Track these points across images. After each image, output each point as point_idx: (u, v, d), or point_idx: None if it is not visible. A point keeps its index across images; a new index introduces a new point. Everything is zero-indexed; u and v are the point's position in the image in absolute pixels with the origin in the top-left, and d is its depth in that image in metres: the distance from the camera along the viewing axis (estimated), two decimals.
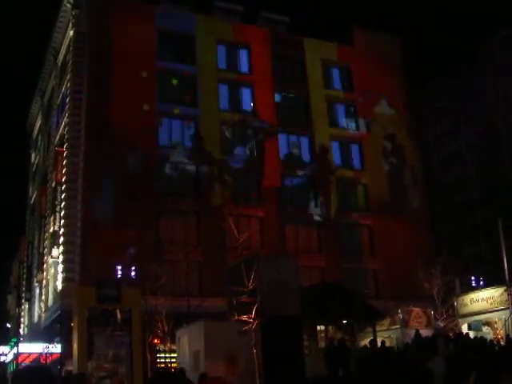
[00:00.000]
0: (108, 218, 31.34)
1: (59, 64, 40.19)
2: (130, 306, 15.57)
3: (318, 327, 24.35)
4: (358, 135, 40.25)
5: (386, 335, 25.79)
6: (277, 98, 38.72)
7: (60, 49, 39.65)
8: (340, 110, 40.81)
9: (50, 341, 31.56)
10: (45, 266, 37.66)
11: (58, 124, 38.09)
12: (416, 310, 26.55)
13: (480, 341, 19.66)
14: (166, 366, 24.51)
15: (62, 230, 32.43)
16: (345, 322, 24.73)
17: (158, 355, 26.33)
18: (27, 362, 33.81)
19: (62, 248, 31.87)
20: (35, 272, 41.31)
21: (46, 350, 31.25)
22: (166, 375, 17.94)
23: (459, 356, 15.13)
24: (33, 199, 47.35)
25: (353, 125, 40.64)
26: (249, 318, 15.11)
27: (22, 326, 45.73)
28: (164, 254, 29.51)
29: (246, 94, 38.00)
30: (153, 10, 36.91)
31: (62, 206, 33.35)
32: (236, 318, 15.36)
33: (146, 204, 31.95)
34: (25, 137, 53.91)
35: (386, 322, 26.18)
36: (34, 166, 49.04)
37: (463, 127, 46.79)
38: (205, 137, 35.76)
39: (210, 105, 36.37)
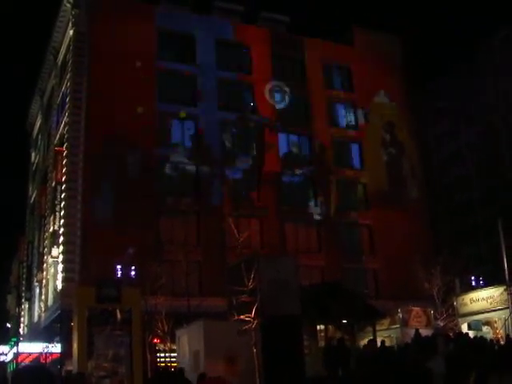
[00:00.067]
0: (108, 218, 31.35)
1: (59, 63, 40.19)
2: (130, 305, 15.57)
3: (318, 327, 24.35)
4: (358, 134, 40.27)
5: (385, 335, 25.81)
6: (277, 97, 38.73)
7: (60, 48, 39.65)
8: (340, 109, 40.84)
9: (50, 340, 31.56)
10: (45, 265, 37.66)
11: (58, 123, 38.09)
12: (416, 309, 26.56)
13: (480, 340, 19.66)
14: (166, 365, 24.51)
15: (61, 229, 32.43)
16: (345, 321, 24.74)
17: (157, 355, 26.33)
18: (27, 361, 33.82)
19: (61, 248, 31.87)
20: (35, 272, 41.31)
21: (45, 350, 31.24)
22: (166, 375, 17.95)
23: (459, 356, 15.13)
24: (33, 199, 47.35)
25: (352, 122, 40.66)
26: (249, 317, 15.11)
27: (21, 325, 45.73)
28: (164, 253, 29.53)
29: (245, 93, 37.99)
30: (153, 10, 36.92)
31: (61, 205, 33.34)
32: (236, 317, 15.37)
33: (146, 204, 31.95)
34: (25, 136, 53.93)
35: (386, 321, 26.19)
36: (34, 165, 49.03)
37: (463, 127, 46.78)
38: (205, 137, 35.77)
39: (209, 105, 36.38)
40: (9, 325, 58.05)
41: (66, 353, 25.89)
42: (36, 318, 39.83)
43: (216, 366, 15.09)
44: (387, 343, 23.26)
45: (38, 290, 40.36)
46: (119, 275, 27.14)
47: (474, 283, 32.38)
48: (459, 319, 27.37)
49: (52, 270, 35.53)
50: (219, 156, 35.55)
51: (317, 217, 37.15)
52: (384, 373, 14.94)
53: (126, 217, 31.21)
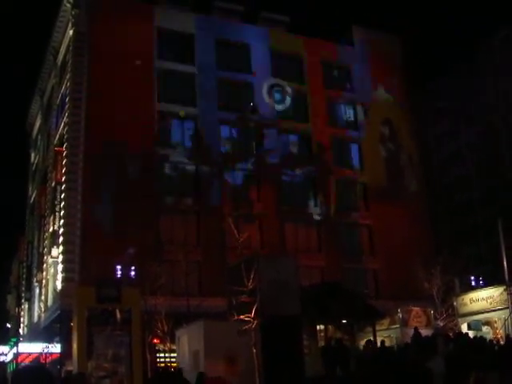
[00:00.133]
0: (108, 218, 31.35)
1: (59, 64, 40.19)
2: (130, 305, 15.57)
3: (318, 327, 24.35)
4: (357, 134, 40.30)
5: (385, 335, 25.81)
6: (276, 97, 38.74)
7: (60, 48, 39.65)
8: (339, 109, 40.86)
9: (50, 341, 31.55)
10: (44, 265, 37.65)
11: (58, 124, 38.08)
12: (416, 309, 26.57)
13: (480, 340, 19.66)
14: (166, 365, 24.52)
15: (61, 229, 32.42)
16: (344, 321, 24.74)
17: (157, 355, 26.33)
18: (27, 361, 33.81)
19: (61, 248, 31.86)
20: (35, 272, 41.29)
21: (45, 350, 31.23)
22: (165, 375, 17.95)
23: (459, 356, 15.13)
24: (32, 199, 47.34)
25: (352, 122, 40.69)
26: (248, 317, 15.10)
27: (21, 325, 45.72)
28: (164, 253, 29.51)
29: (245, 93, 38.00)
30: (152, 10, 36.93)
31: (61, 205, 33.34)
32: (236, 317, 15.36)
33: (146, 204, 31.95)
34: (24, 136, 53.92)
35: (386, 321, 26.20)
36: (34, 165, 49.03)
37: (463, 127, 46.77)
38: (204, 136, 35.78)
39: (209, 105, 36.39)
40: (9, 325, 58.04)
41: (66, 353, 25.88)
42: (36, 318, 39.83)
43: (216, 366, 15.10)
44: (387, 343, 23.27)
45: (37, 290, 40.35)
46: (119, 275, 27.13)
47: (473, 283, 32.37)
48: (459, 319, 27.37)
49: (52, 270, 35.53)
50: (219, 156, 35.55)
51: (317, 217, 37.16)
52: (384, 373, 14.94)
53: (125, 217, 31.21)
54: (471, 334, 24.60)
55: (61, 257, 31.73)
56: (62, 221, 32.65)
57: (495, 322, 26.79)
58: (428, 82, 50.05)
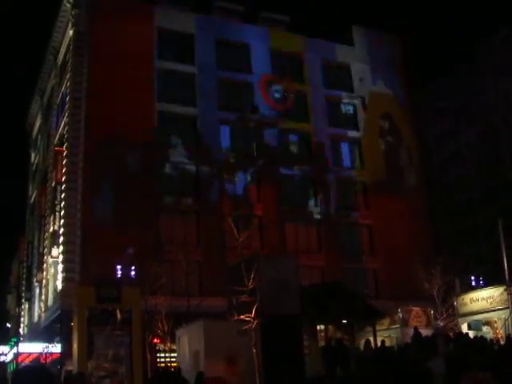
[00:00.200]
0: (108, 218, 31.34)
1: (59, 63, 40.19)
2: (130, 305, 15.57)
3: (318, 327, 24.35)
4: (357, 134, 40.32)
5: (385, 335, 25.80)
6: (276, 97, 38.75)
7: (60, 48, 39.65)
8: (339, 109, 40.86)
9: (50, 341, 31.55)
10: (45, 265, 37.65)
11: (58, 124, 38.08)
12: (416, 309, 26.55)
13: (480, 340, 19.64)
14: (166, 365, 24.51)
15: (61, 229, 32.43)
16: (344, 321, 24.74)
17: (157, 355, 26.33)
18: (27, 361, 33.81)
19: (61, 248, 31.86)
20: (35, 272, 41.30)
21: (45, 350, 31.22)
22: (165, 374, 17.95)
23: (459, 356, 15.12)
24: (32, 199, 47.34)
25: (352, 122, 40.71)
26: (248, 317, 15.10)
27: (21, 325, 45.72)
28: (164, 253, 29.52)
29: (245, 93, 38.00)
30: (152, 10, 36.94)
31: (61, 205, 33.34)
32: (236, 317, 15.36)
33: (146, 204, 31.96)
34: (24, 136, 53.92)
35: (386, 321, 26.19)
36: (34, 165, 49.03)
37: (463, 127, 46.75)
38: (204, 137, 35.78)
39: (209, 104, 36.39)
40: (9, 325, 58.05)
41: (66, 353, 25.88)
42: (36, 318, 39.83)
43: (216, 366, 15.10)
44: (387, 343, 23.25)
45: (38, 290, 40.35)
46: (119, 275, 27.14)
47: (473, 283, 32.37)
48: (459, 319, 27.36)
49: (52, 270, 35.53)
50: (219, 156, 35.55)
51: (317, 216, 37.16)
52: (384, 373, 14.94)
53: (125, 217, 31.21)
54: (471, 334, 24.59)
55: (61, 257, 31.73)
56: (62, 221, 32.66)
57: (495, 321, 26.78)
58: (428, 81, 50.07)
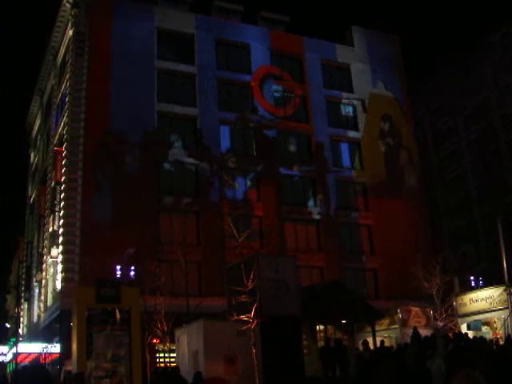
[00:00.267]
0: (107, 218, 31.33)
1: (59, 63, 40.19)
2: (129, 305, 15.57)
3: (318, 327, 24.36)
4: (357, 134, 40.33)
5: (385, 335, 25.80)
6: (276, 97, 38.75)
7: (59, 48, 39.65)
8: (339, 109, 40.86)
9: (50, 341, 31.53)
10: (44, 265, 37.63)
11: (58, 124, 38.06)
12: (415, 309, 26.55)
13: (479, 340, 19.66)
14: (166, 365, 24.50)
15: (61, 229, 32.40)
16: (344, 321, 24.75)
17: (157, 355, 26.31)
18: (26, 361, 33.81)
19: (61, 248, 31.84)
20: (34, 272, 41.27)
21: (45, 350, 31.21)
22: (163, 374, 17.95)
23: (458, 356, 15.12)
24: (32, 199, 47.32)
25: (352, 122, 40.72)
26: (248, 317, 15.09)
27: (21, 325, 45.67)
28: (163, 253, 29.52)
29: (245, 93, 38.00)
30: (152, 10, 36.94)
31: (61, 205, 33.32)
32: (235, 317, 15.35)
33: (146, 204, 31.96)
34: (24, 136, 53.90)
35: (386, 321, 26.19)
36: (34, 165, 49.02)
37: (462, 126, 46.77)
38: (204, 136, 35.78)
39: (209, 104, 36.40)
40: (8, 325, 58.07)
41: (66, 353, 25.87)
42: (35, 318, 39.81)
43: (215, 366, 15.10)
44: (387, 343, 23.26)
45: (37, 290, 40.33)
46: (118, 275, 27.14)
47: (473, 283, 32.37)
48: (458, 319, 27.35)
49: (51, 270, 35.51)
50: (219, 156, 35.55)
51: (316, 216, 37.16)
52: (383, 373, 14.94)
53: (125, 217, 31.21)
54: (471, 334, 24.61)
55: (60, 257, 31.71)
56: (61, 221, 32.64)
57: (495, 322, 26.78)
58: (427, 80, 50.04)
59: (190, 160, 35.04)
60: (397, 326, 25.90)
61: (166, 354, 25.13)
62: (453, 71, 47.27)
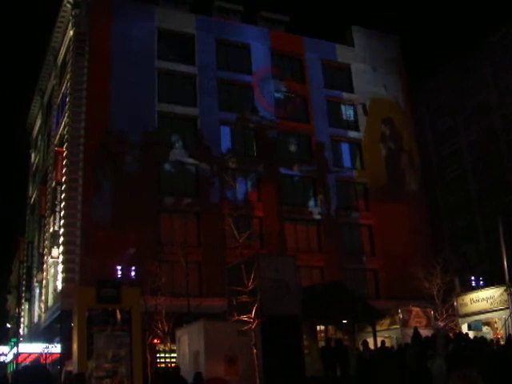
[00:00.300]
0: (108, 218, 31.35)
1: (59, 64, 40.21)
2: (130, 305, 15.58)
3: (318, 327, 24.38)
4: (358, 135, 40.34)
5: (386, 335, 25.81)
6: (276, 97, 38.78)
7: (60, 48, 39.67)
8: (339, 109, 40.86)
9: (50, 341, 31.55)
10: (45, 266, 37.65)
11: (58, 124, 38.08)
12: (416, 309, 26.55)
13: (480, 341, 19.66)
14: (166, 365, 24.50)
15: (61, 230, 32.42)
16: (345, 321, 24.76)
17: (157, 355, 26.31)
18: (27, 362, 33.82)
19: (61, 248, 31.85)
20: (35, 272, 41.29)
21: (45, 350, 31.22)
22: (163, 374, 17.96)
23: (459, 356, 15.12)
24: (33, 199, 47.35)
25: (352, 122, 40.72)
26: (248, 317, 15.10)
27: (21, 325, 45.70)
28: (164, 254, 29.52)
29: (245, 93, 38.01)
30: (152, 10, 36.96)
31: (61, 206, 33.33)
32: (236, 317, 15.35)
33: (146, 204, 31.98)
34: (25, 137, 53.91)
35: (386, 321, 26.20)
36: (34, 165, 49.05)
37: (462, 126, 46.76)
38: (205, 137, 35.79)
39: (209, 104, 36.41)
40: (9, 325, 58.08)
41: (66, 353, 25.87)
42: (36, 319, 39.83)
43: (216, 366, 15.10)
44: (387, 343, 23.26)
45: (38, 291, 40.35)
46: (119, 275, 27.14)
47: (474, 283, 32.37)
48: (459, 319, 27.36)
49: (52, 271, 35.53)
50: (219, 156, 35.56)
51: (317, 216, 37.16)
52: (384, 373, 14.94)
53: (125, 217, 31.23)
54: (471, 334, 24.61)
55: (61, 257, 31.73)
56: (62, 221, 32.65)
57: (495, 322, 26.78)
58: (427, 81, 50.03)
59: (191, 160, 35.05)
60: (397, 326, 25.91)
61: (167, 355, 25.13)
62: (453, 71, 47.23)
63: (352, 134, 40.30)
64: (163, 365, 25.60)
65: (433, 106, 49.42)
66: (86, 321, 15.23)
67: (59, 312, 29.74)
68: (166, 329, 21.87)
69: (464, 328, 26.34)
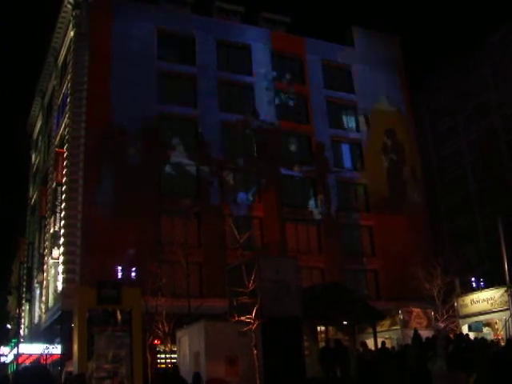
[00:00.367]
0: (108, 219, 31.34)
1: (60, 64, 40.23)
2: (131, 306, 15.60)
3: (319, 328, 24.36)
4: (358, 135, 40.33)
5: (386, 336, 25.80)
6: (277, 97, 38.79)
7: (61, 49, 39.69)
8: (340, 110, 40.86)
9: (51, 342, 31.55)
10: (45, 266, 37.65)
11: (59, 125, 38.11)
12: (416, 310, 26.55)
13: (480, 342, 19.65)
14: (167, 366, 24.50)
15: (62, 230, 32.43)
16: (345, 322, 24.75)
17: (158, 356, 26.31)
18: (27, 362, 33.82)
19: (62, 249, 31.86)
20: (35, 273, 41.29)
21: (46, 351, 31.22)
22: (164, 375, 17.96)
23: (459, 357, 15.13)
24: (33, 200, 47.36)
25: (352, 123, 40.73)
26: (249, 318, 15.10)
27: (22, 326, 45.70)
28: (164, 254, 29.52)
29: (246, 94, 38.01)
30: (152, 11, 36.98)
31: (62, 206, 33.34)
32: (236, 318, 15.35)
33: (147, 205, 31.98)
34: (25, 137, 53.92)
35: (387, 322, 26.19)
36: (35, 166, 49.06)
37: (462, 127, 46.76)
38: (205, 137, 35.79)
39: (210, 105, 36.42)
40: (9, 326, 58.08)
41: (67, 354, 25.87)
42: (36, 319, 39.82)
43: (216, 367, 15.09)
44: (388, 344, 23.26)
45: (38, 291, 40.35)
46: (120, 276, 27.16)
47: (474, 284, 32.35)
48: (460, 320, 27.33)
49: (52, 271, 35.53)
50: (220, 157, 35.56)
51: (317, 217, 37.14)
52: (384, 374, 14.94)
53: (126, 218, 31.23)
54: (472, 335, 24.58)
55: (61, 258, 31.73)
56: (62, 222, 32.66)
57: (496, 323, 26.76)
58: (427, 81, 50.05)
59: (191, 161, 35.04)
60: (398, 327, 25.91)
61: (167, 355, 25.13)
62: (453, 71, 47.23)
63: (352, 134, 40.29)
64: (163, 365, 25.59)
65: (433, 106, 49.41)
66: (87, 321, 15.24)
67: (60, 313, 29.75)
68: (167, 329, 21.86)
69: (464, 329, 26.32)
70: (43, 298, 37.50)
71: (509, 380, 11.00)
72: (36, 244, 43.03)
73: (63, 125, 36.05)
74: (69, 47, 37.02)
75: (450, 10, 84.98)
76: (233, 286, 16.24)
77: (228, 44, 38.53)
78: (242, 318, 15.18)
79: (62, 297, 29.99)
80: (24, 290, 43.80)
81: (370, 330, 24.76)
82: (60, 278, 31.46)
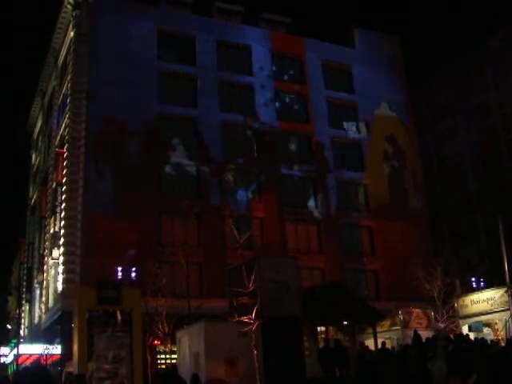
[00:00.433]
0: (108, 220, 31.34)
1: (60, 65, 40.24)
2: (131, 307, 15.60)
3: (319, 328, 24.37)
4: (358, 136, 40.32)
5: (386, 336, 25.80)
6: (277, 98, 38.79)
7: (61, 49, 39.69)
8: (340, 111, 40.85)
9: (51, 342, 31.55)
10: (45, 267, 37.66)
11: (59, 125, 38.12)
12: (416, 311, 26.55)
13: (480, 342, 19.63)
14: (167, 367, 24.50)
15: (62, 231, 32.43)
16: (345, 323, 24.75)
17: (158, 356, 26.32)
18: (28, 363, 33.82)
19: (62, 249, 31.86)
20: (36, 273, 41.30)
21: (46, 351, 31.22)
22: (162, 374, 17.96)
23: (459, 357, 15.12)
24: (33, 200, 47.37)
25: (353, 127, 40.72)
26: (249, 319, 15.10)
27: (22, 327, 45.72)
28: (164, 255, 29.52)
29: (246, 94, 38.01)
30: (153, 11, 36.98)
31: (62, 207, 33.35)
32: (236, 319, 15.36)
33: (147, 205, 31.98)
34: (25, 138, 53.94)
35: (387, 322, 26.19)
36: (35, 166, 49.06)
37: (462, 127, 46.74)
38: (205, 137, 35.80)
39: (210, 106, 36.41)
40: (9, 326, 58.09)
41: (67, 354, 25.87)
42: (36, 320, 39.83)
43: (216, 368, 15.10)
44: (388, 345, 23.25)
45: (38, 292, 40.35)
46: (120, 276, 27.16)
47: (474, 285, 32.33)
48: (460, 321, 27.32)
49: (52, 272, 35.53)
50: (220, 157, 35.56)
51: (317, 216, 37.14)
52: (384, 374, 14.94)
53: (126, 218, 31.23)
54: (472, 335, 24.57)
55: (61, 258, 31.74)
56: (62, 222, 32.66)
57: (496, 323, 26.74)
58: (428, 82, 50.02)
59: (191, 161, 35.04)
60: (398, 328, 25.91)
61: (167, 356, 25.14)
62: (453, 71, 47.20)
63: (352, 134, 40.28)
64: (164, 366, 25.59)
65: (433, 106, 49.38)
66: (87, 322, 15.25)
67: (60, 313, 29.75)
68: (167, 330, 21.87)
69: (464, 329, 26.31)
70: (43, 299, 37.50)
71: (509, 380, 11.00)
72: (36, 244, 43.04)
73: (63, 125, 36.05)
74: (69, 47, 37.02)
75: (450, 11, 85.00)
76: (233, 286, 16.24)
77: (228, 44, 38.52)
78: (242, 318, 15.18)
79: (62, 297, 29.99)
80: (24, 290, 43.81)
81: (370, 331, 24.75)
82: (60, 278, 31.46)
